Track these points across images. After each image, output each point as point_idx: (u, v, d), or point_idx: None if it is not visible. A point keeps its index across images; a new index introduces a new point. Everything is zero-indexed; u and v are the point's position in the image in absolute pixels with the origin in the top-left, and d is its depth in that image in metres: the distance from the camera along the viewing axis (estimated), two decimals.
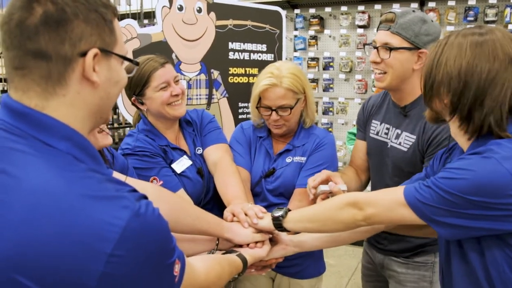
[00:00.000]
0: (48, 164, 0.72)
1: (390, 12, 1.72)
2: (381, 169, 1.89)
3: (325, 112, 5.04)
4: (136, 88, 1.77)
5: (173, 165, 1.83)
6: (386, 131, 1.87)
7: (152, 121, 1.88)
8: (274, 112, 1.79)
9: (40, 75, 0.76)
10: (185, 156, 1.87)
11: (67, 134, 0.77)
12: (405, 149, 1.77)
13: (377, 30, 1.78)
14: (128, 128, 4.58)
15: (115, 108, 3.34)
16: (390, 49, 1.68)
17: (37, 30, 0.73)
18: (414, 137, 1.75)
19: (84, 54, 0.77)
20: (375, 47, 1.73)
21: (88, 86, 0.79)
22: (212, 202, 1.91)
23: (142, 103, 1.82)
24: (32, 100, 0.76)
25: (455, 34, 1.20)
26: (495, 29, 1.17)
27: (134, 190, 0.79)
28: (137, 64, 0.92)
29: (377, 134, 1.92)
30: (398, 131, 1.81)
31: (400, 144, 1.79)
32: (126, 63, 0.88)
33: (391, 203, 1.25)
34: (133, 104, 1.86)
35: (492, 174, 1.07)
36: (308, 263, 1.93)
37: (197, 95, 2.90)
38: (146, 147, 1.79)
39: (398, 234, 1.82)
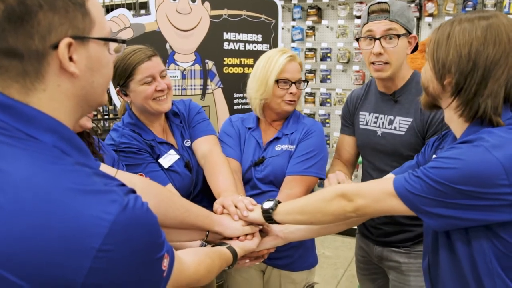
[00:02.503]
0: (33, 158, 0.70)
1: (381, 2, 1.72)
2: (374, 158, 1.89)
3: (322, 103, 5.01)
4: (120, 79, 1.73)
5: (160, 160, 1.80)
6: (375, 119, 1.88)
7: (137, 114, 1.84)
8: (293, 85, 1.84)
9: (16, 73, 0.73)
10: (172, 150, 1.84)
11: (51, 126, 0.75)
12: (402, 133, 1.77)
13: (367, 22, 1.76)
14: None
15: (111, 98, 3.33)
16: (398, 36, 1.71)
17: (2, 28, 0.69)
18: (410, 119, 1.76)
19: (56, 46, 0.73)
20: (376, 38, 1.72)
21: (67, 78, 0.76)
22: (201, 195, 1.90)
23: (126, 95, 1.78)
24: (14, 96, 0.74)
25: (460, 17, 1.20)
26: (498, 14, 1.17)
27: (123, 185, 0.77)
28: (123, 42, 0.87)
29: (366, 124, 1.92)
30: (391, 117, 1.82)
31: (395, 129, 1.79)
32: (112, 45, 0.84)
33: (380, 194, 1.24)
34: (117, 94, 1.83)
35: (481, 163, 1.06)
36: (299, 255, 1.92)
37: (191, 85, 2.88)
38: (132, 143, 1.76)
39: (396, 224, 1.84)
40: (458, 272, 1.19)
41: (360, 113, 1.96)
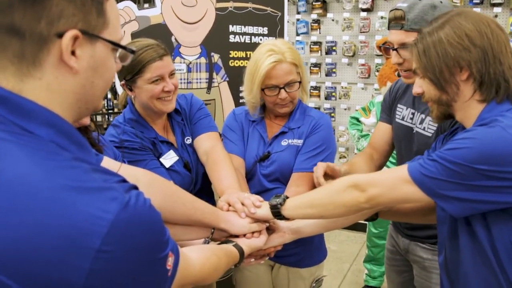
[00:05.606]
0: (28, 153, 0.66)
1: (397, 9, 1.65)
2: (407, 155, 1.86)
3: (327, 97, 4.99)
4: (128, 74, 1.70)
5: (161, 159, 1.79)
6: (411, 116, 1.84)
7: (139, 110, 1.83)
8: (282, 90, 1.74)
9: (13, 53, 0.69)
10: (171, 152, 1.83)
11: (49, 120, 0.71)
12: (430, 134, 1.74)
13: (388, 29, 1.73)
14: None
15: (115, 93, 3.31)
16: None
17: (11, 3, 0.66)
18: None
19: (62, 35, 0.69)
20: (394, 49, 1.69)
21: (67, 71, 0.72)
22: (200, 193, 1.87)
23: (131, 90, 1.76)
24: (9, 81, 0.70)
25: (428, 30, 1.24)
26: (456, 11, 1.23)
27: (124, 181, 0.73)
28: (132, 52, 0.83)
29: (402, 119, 1.88)
30: (423, 116, 1.79)
31: (424, 129, 1.76)
32: (120, 51, 0.80)
33: (394, 181, 1.22)
34: (122, 87, 1.81)
35: (497, 140, 1.06)
36: (307, 252, 1.90)
37: (197, 78, 2.85)
38: (134, 140, 1.75)
39: None
40: (482, 257, 1.17)
41: (398, 105, 1.91)
